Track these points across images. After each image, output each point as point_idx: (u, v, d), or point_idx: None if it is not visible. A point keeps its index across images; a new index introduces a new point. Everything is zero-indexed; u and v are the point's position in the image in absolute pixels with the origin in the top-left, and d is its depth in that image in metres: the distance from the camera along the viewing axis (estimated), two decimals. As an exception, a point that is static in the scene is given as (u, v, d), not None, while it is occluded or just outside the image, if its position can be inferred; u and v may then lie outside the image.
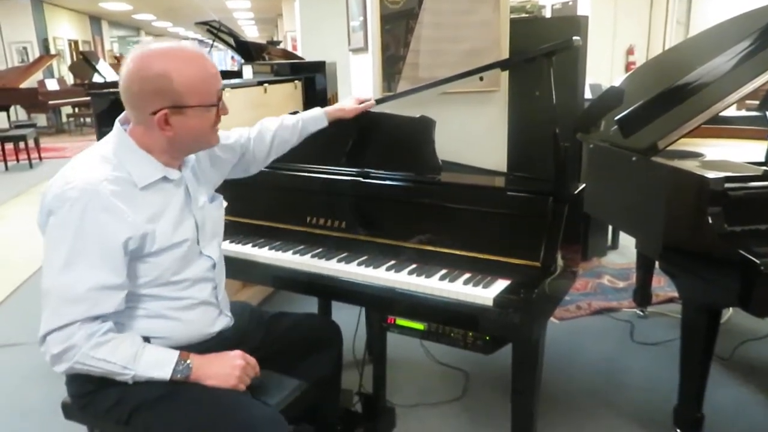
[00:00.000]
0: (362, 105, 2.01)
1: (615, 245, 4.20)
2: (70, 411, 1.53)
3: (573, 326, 3.09)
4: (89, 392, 1.41)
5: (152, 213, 1.38)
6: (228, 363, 1.41)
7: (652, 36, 8.42)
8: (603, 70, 7.80)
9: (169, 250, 1.40)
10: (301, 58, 6.37)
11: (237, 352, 1.44)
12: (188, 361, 1.37)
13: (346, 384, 2.23)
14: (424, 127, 1.98)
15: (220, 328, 1.56)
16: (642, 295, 3.15)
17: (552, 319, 3.12)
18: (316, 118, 1.94)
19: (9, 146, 8.29)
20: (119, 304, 1.34)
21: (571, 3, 8.87)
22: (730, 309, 3.03)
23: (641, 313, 3.15)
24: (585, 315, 3.19)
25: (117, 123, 1.42)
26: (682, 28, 8.03)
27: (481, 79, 2.17)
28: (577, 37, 1.84)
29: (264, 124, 1.86)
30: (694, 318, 1.98)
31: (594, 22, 8.28)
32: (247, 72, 5.20)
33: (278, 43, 13.67)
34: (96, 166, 1.34)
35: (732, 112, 3.20)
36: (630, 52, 8.47)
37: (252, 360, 1.45)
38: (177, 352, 1.38)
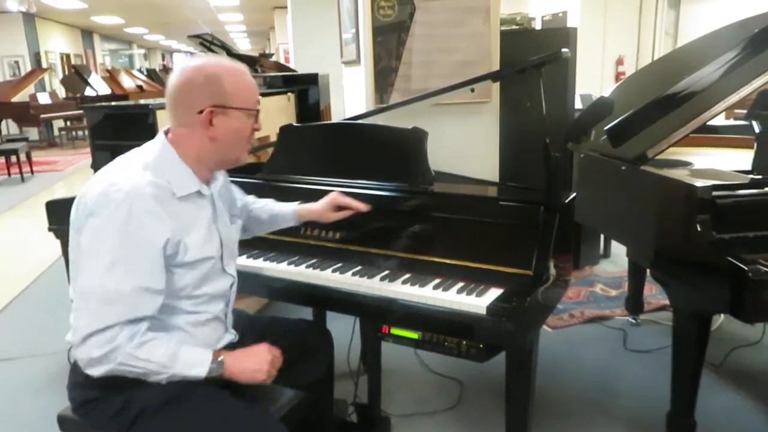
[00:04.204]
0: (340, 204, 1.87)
1: (607, 254, 4.22)
2: (66, 424, 1.53)
3: (566, 335, 3.11)
4: (93, 399, 1.42)
5: (185, 223, 1.42)
6: (257, 359, 1.45)
7: (641, 46, 8.51)
8: (593, 80, 7.87)
9: (197, 264, 1.44)
10: (293, 71, 6.39)
11: (264, 347, 1.48)
12: (220, 359, 1.40)
13: (341, 394, 2.24)
14: (416, 139, 2.00)
15: (224, 345, 1.58)
16: (634, 303, 3.17)
17: (545, 327, 3.14)
18: (287, 216, 1.89)
19: (1, 160, 8.28)
20: (157, 308, 1.37)
21: (561, 15, 8.96)
22: (721, 316, 3.06)
23: (633, 321, 3.17)
24: (578, 323, 3.21)
25: (162, 133, 1.47)
26: (671, 39, 8.13)
27: (473, 90, 2.19)
28: (566, 49, 1.88)
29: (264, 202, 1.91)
30: (685, 325, 2.00)
31: (584, 33, 8.37)
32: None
33: (270, 55, 13.70)
34: (138, 172, 1.37)
35: (720, 121, 3.25)
36: (619, 62, 8.56)
37: (277, 352, 1.49)
38: (210, 351, 1.41)
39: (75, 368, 1.45)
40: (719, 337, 2.93)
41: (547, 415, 2.38)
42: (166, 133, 1.48)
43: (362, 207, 1.83)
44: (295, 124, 2.27)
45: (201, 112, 1.39)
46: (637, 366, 2.76)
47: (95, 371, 1.33)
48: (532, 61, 1.83)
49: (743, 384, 2.56)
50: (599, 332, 3.13)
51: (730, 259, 1.72)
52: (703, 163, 2.35)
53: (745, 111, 3.18)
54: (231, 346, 1.58)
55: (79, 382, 1.43)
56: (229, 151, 1.47)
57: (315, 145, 2.20)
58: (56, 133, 13.39)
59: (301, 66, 7.06)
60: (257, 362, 1.44)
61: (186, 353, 1.37)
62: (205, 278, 1.47)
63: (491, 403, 2.47)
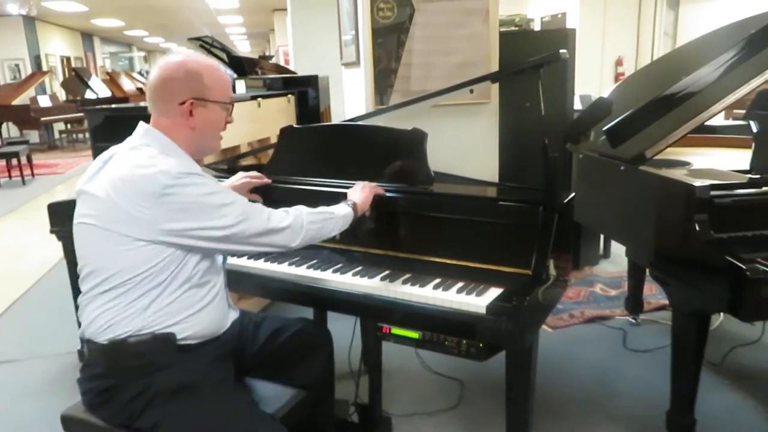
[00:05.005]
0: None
1: (607, 254, 4.23)
2: (69, 423, 1.54)
3: (566, 335, 3.12)
4: (109, 388, 1.46)
5: None
6: (365, 188, 1.85)
7: (641, 47, 8.54)
8: (592, 81, 7.90)
9: None
10: (293, 73, 6.41)
11: (359, 183, 1.88)
12: (348, 200, 1.79)
13: (342, 394, 2.25)
14: (416, 140, 2.02)
15: (231, 322, 1.65)
16: (634, 303, 3.18)
17: (545, 327, 3.15)
18: None
19: (1, 163, 8.29)
20: None
21: (560, 16, 8.98)
22: (721, 315, 3.07)
23: (633, 321, 3.19)
24: (578, 323, 3.22)
25: (147, 127, 1.53)
26: (670, 40, 8.15)
27: (472, 91, 2.20)
28: (564, 50, 1.88)
29: None
30: (684, 324, 2.01)
31: (583, 34, 8.39)
32: (240, 87, 5.24)
33: (270, 57, 13.73)
34: (161, 157, 1.45)
35: (719, 121, 3.26)
36: (619, 63, 8.58)
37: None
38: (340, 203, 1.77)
39: (90, 360, 1.50)
40: (719, 336, 2.94)
41: (547, 414, 2.39)
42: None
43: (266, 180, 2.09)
44: (295, 125, 2.28)
45: (182, 103, 1.50)
46: (637, 365, 2.77)
47: (297, 239, 1.59)
48: (531, 63, 1.84)
49: (743, 383, 2.57)
50: (599, 332, 3.14)
51: (728, 258, 1.73)
52: (702, 163, 2.36)
53: (744, 111, 3.19)
54: (227, 336, 1.62)
55: (96, 374, 1.48)
56: (206, 140, 1.59)
57: (315, 146, 2.21)
58: (57, 135, 13.42)
59: (301, 68, 7.07)
60: (366, 190, 1.84)
61: (328, 207, 1.71)
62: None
63: (492, 402, 2.48)
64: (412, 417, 2.42)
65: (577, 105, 4.56)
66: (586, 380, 2.67)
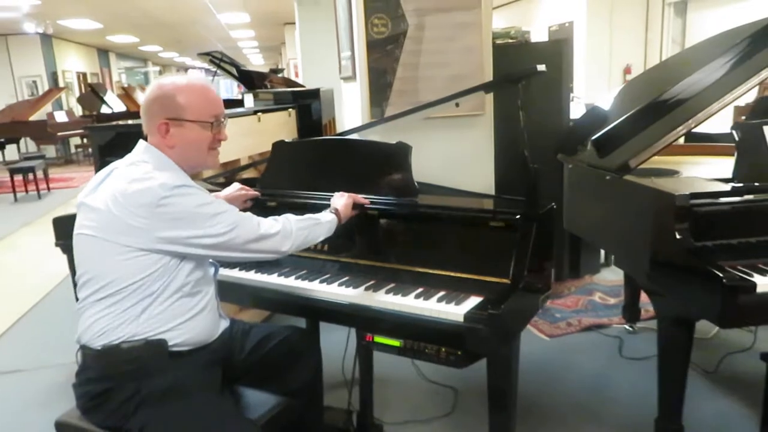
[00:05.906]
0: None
1: (608, 262, 4.23)
2: (63, 429, 1.60)
3: (562, 343, 3.13)
4: (105, 391, 1.53)
5: None
6: (346, 198, 1.92)
7: (649, 55, 8.52)
8: (601, 89, 7.90)
9: None
10: (301, 86, 6.50)
11: (341, 194, 1.95)
12: (331, 207, 1.87)
13: (335, 402, 2.29)
14: (401, 153, 2.07)
15: (221, 330, 1.71)
16: (631, 311, 3.19)
17: (542, 336, 3.18)
18: None
19: (18, 178, 8.44)
20: None
21: (567, 25, 9.00)
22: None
23: (630, 329, 3.20)
24: (575, 332, 3.23)
25: (146, 144, 1.62)
26: (678, 47, 8.13)
27: (457, 105, 2.26)
28: (542, 65, 1.93)
29: None
30: (670, 332, 2.04)
31: (591, 42, 8.37)
32: (248, 100, 5.33)
33: (281, 70, 13.84)
34: (157, 172, 1.53)
35: (718, 128, 3.26)
36: (627, 71, 8.56)
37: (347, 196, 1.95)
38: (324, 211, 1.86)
39: (85, 365, 1.57)
40: (713, 344, 2.93)
41: (542, 422, 2.42)
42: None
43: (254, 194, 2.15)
44: (286, 140, 2.35)
45: (158, 124, 1.58)
46: (632, 373, 2.78)
47: (287, 243, 1.67)
48: (509, 77, 1.90)
49: (736, 390, 2.57)
50: (595, 340, 3.15)
51: (707, 266, 1.75)
52: (695, 173, 2.37)
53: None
54: (217, 344, 1.68)
55: (91, 378, 1.55)
56: (190, 156, 1.64)
57: (304, 160, 2.27)
58: (73, 150, 13.66)
59: (309, 80, 7.17)
60: (344, 197, 1.91)
61: (315, 215, 1.81)
62: (205, 264, 1.66)
63: (485, 410, 2.48)
64: (406, 425, 2.46)
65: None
66: (581, 388, 2.69)
